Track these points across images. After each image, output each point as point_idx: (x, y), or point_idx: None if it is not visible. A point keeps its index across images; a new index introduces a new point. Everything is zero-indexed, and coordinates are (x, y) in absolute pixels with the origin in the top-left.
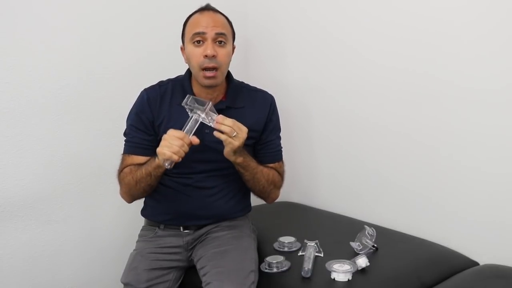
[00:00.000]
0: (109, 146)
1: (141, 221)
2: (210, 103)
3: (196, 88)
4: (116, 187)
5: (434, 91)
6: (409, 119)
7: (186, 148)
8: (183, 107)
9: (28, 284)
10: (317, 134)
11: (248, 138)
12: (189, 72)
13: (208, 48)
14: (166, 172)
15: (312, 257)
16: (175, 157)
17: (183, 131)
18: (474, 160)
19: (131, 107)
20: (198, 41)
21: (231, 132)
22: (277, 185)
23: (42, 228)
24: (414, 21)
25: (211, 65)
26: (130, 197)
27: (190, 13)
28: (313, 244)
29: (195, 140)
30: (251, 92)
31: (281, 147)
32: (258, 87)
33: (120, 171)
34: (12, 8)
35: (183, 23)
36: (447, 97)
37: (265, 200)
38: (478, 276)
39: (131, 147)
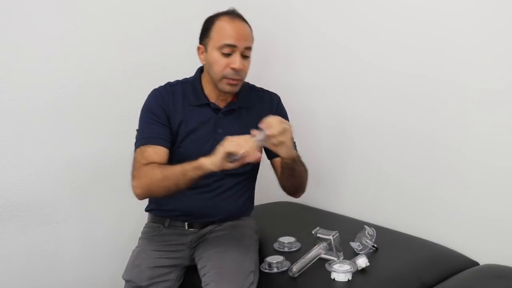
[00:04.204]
0: (109, 146)
1: (141, 221)
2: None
3: (207, 90)
4: (116, 186)
5: (434, 93)
6: (409, 121)
7: (247, 155)
8: (196, 107)
9: (28, 284)
10: (317, 135)
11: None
12: (199, 73)
13: (237, 62)
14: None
15: (312, 257)
16: (241, 151)
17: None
18: (474, 161)
19: (131, 107)
20: (227, 53)
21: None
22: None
23: (42, 228)
24: (417, 26)
25: (236, 77)
26: (146, 192)
27: (205, 13)
28: (325, 244)
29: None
30: (259, 92)
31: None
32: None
33: (143, 164)
34: (12, 9)
35: (205, 21)
36: (446, 99)
37: (299, 194)
38: (478, 276)
39: (150, 138)
